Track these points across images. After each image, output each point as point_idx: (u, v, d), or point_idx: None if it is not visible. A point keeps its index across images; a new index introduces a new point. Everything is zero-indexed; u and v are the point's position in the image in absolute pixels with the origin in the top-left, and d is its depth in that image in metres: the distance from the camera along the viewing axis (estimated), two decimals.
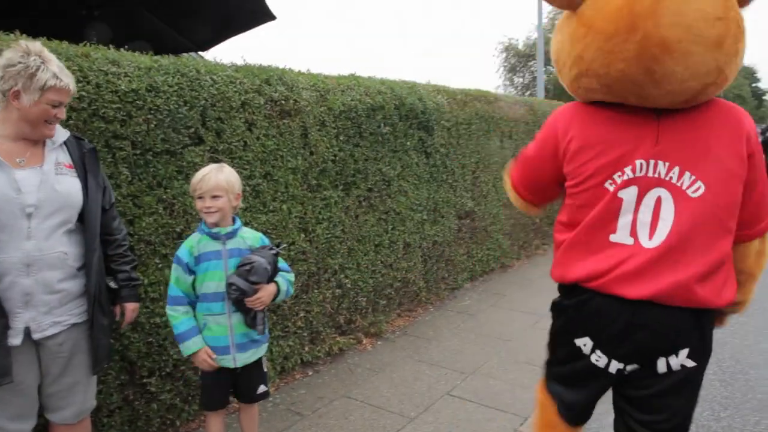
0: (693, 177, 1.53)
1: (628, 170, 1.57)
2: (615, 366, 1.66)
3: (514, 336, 4.17)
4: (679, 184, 1.54)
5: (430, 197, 4.70)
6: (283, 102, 3.30)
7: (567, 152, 1.67)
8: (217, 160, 2.75)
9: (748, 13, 1.55)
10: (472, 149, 5.34)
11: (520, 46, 34.68)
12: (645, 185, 1.56)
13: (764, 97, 62.03)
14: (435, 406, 3.14)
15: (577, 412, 1.83)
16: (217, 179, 2.16)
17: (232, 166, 2.38)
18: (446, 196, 4.94)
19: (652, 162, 1.55)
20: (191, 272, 2.18)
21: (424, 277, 4.68)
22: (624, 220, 1.59)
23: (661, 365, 1.60)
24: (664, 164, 1.54)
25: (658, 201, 1.56)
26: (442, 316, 4.62)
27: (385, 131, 4.11)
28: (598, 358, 1.68)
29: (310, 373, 3.53)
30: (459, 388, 3.35)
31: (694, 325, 1.57)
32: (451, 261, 5.06)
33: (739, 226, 1.60)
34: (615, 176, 1.58)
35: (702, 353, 1.62)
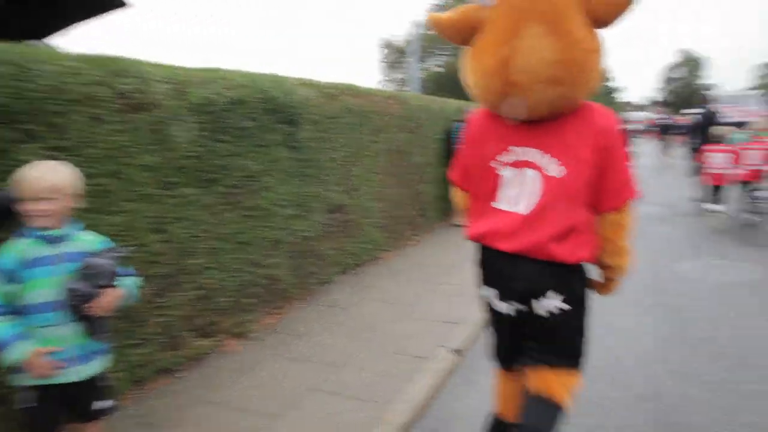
0: (555, 161, 2.02)
1: (508, 156, 2.11)
2: (507, 308, 2.16)
3: (383, 327, 4.27)
4: (545, 167, 2.04)
5: (298, 192, 4.66)
6: (135, 95, 3.09)
7: (473, 142, 2.25)
8: (55, 158, 2.51)
9: None
10: (342, 143, 5.37)
11: (401, 43, 35.71)
12: (520, 166, 2.08)
13: (612, 94, 69.33)
14: (302, 402, 3.14)
15: (502, 357, 2.34)
16: (48, 179, 1.97)
17: (76, 164, 2.18)
18: (315, 191, 4.93)
19: (526, 149, 2.08)
20: (12, 280, 1.96)
21: (293, 273, 4.64)
22: (504, 192, 2.12)
23: (537, 306, 2.08)
24: (535, 151, 2.06)
25: (529, 178, 2.07)
26: (313, 311, 4.62)
27: (249, 125, 4.00)
28: (498, 303, 2.19)
29: (170, 381, 3.36)
30: (328, 383, 3.37)
31: (557, 275, 2.04)
32: (320, 255, 5.06)
33: (597, 202, 2.07)
34: (499, 158, 2.12)
35: (575, 300, 2.10)
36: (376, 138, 6.09)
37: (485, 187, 2.18)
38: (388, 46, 43.47)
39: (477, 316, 4.44)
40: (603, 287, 2.34)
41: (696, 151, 10.37)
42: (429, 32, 38.18)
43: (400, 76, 39.82)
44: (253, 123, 4.06)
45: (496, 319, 2.29)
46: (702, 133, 10.40)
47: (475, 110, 2.34)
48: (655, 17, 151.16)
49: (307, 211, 4.81)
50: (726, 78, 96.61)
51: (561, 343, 2.16)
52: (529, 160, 2.07)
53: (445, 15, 2.18)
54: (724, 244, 7.16)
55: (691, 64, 73.29)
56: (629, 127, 20.16)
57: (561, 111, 2.07)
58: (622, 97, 69.94)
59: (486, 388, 3.21)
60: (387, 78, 43.82)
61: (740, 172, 8.39)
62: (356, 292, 5.14)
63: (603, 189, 2.06)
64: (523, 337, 2.22)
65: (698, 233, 7.96)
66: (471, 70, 2.14)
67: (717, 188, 8.99)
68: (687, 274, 5.78)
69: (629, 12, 2.05)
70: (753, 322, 4.42)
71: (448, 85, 33.68)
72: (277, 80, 4.44)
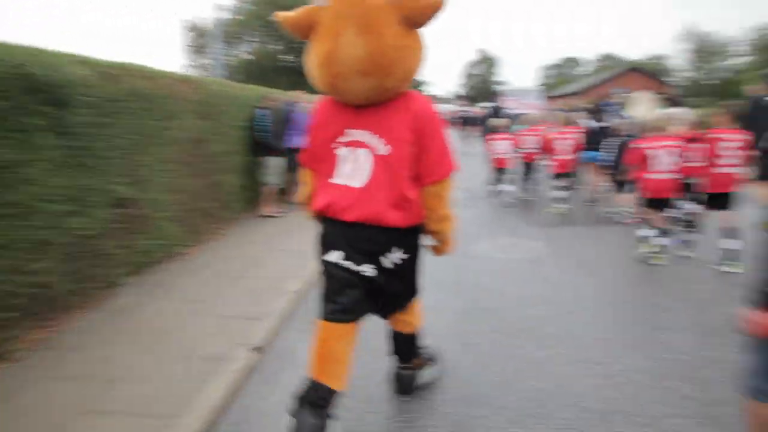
0: (383, 141, 2.46)
1: (344, 137, 2.53)
2: (357, 267, 2.53)
3: (177, 330, 3.93)
4: (374, 146, 2.47)
5: (72, 185, 4.06)
6: None
7: (318, 126, 2.64)
8: None
9: None
10: (127, 130, 4.82)
11: (208, 27, 34.83)
12: (354, 146, 2.51)
13: (419, 87, 74.14)
14: (72, 428, 2.72)
15: (344, 316, 2.56)
16: None
17: None
18: (95, 183, 4.35)
19: (359, 131, 2.50)
20: None
21: (69, 279, 4.05)
22: (341, 169, 2.52)
23: (384, 261, 2.55)
24: (366, 132, 2.49)
25: (362, 156, 2.49)
26: (94, 320, 4.08)
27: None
28: (345, 265, 2.53)
29: None
30: (106, 401, 2.98)
31: (395, 236, 2.52)
32: (104, 256, 4.50)
33: (418, 176, 2.51)
34: (337, 140, 2.54)
35: (411, 251, 2.64)
36: (169, 125, 5.59)
37: (327, 165, 2.59)
38: (194, 29, 40.76)
39: (280, 308, 4.33)
40: (437, 249, 2.85)
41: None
42: (237, 17, 36.66)
43: (206, 61, 37.96)
44: (5, 104, 3.41)
45: (337, 279, 2.58)
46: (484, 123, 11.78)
47: (320, 98, 2.74)
48: (462, 18, 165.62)
49: (85, 206, 4.22)
50: (517, 76, 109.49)
51: (406, 283, 2.77)
52: (361, 140, 2.51)
53: (290, 14, 2.55)
54: (513, 224, 8.09)
55: (488, 62, 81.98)
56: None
57: (384, 98, 2.49)
58: (429, 90, 75.12)
59: (292, 381, 3.12)
60: (192, 63, 41.14)
61: (519, 155, 9.81)
62: (148, 293, 4.68)
63: (423, 164, 2.51)
64: (368, 291, 2.60)
65: (492, 215, 8.87)
66: (309, 62, 2.53)
67: (501, 170, 10.14)
68: (482, 253, 6.36)
69: (440, 14, 2.43)
70: (533, 290, 4.98)
71: (257, 72, 32.96)
72: (37, 54, 3.79)
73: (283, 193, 8.51)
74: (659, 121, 6.26)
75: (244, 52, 38.27)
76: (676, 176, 5.83)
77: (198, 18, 39.49)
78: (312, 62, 2.50)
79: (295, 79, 28.38)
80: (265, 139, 7.90)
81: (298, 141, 4.83)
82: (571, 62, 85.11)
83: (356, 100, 2.50)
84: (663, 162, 5.77)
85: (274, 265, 5.60)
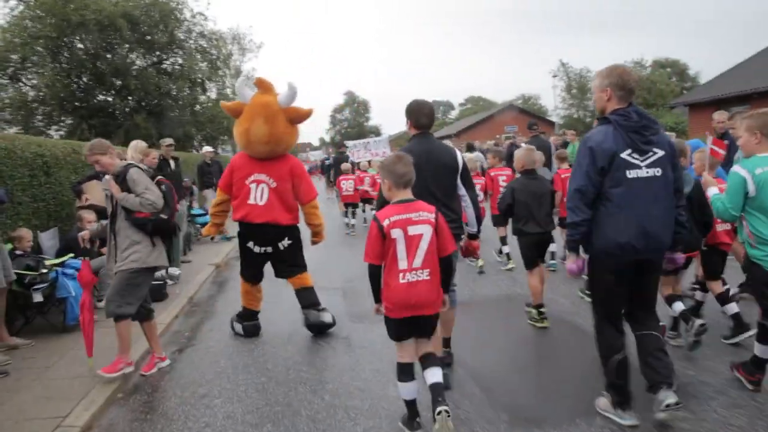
0: (273, 179, 5.07)
1: (252, 177, 5.08)
2: (261, 249, 5.19)
3: None
4: (270, 182, 5.07)
5: None
6: None
7: (236, 169, 5.19)
8: None
9: None
10: None
11: None
12: (257, 182, 5.06)
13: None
14: None
15: (253, 276, 5.36)
16: None
17: None
18: None
19: (260, 174, 5.08)
20: None
21: None
22: (253, 194, 5.05)
23: (280, 245, 5.17)
24: (264, 175, 5.08)
25: (263, 188, 5.05)
26: None
27: None
28: (258, 249, 5.20)
29: None
30: None
31: (285, 231, 5.17)
32: None
33: (298, 198, 5.23)
34: (248, 179, 5.08)
35: (295, 239, 5.27)
36: None
37: (242, 192, 5.09)
38: None
39: None
40: (316, 239, 5.54)
41: (332, 181, 17.77)
42: (12, 39, 20.73)
43: None
44: None
45: (252, 256, 5.25)
46: (335, 168, 15.82)
47: (238, 154, 5.42)
48: (331, 63, 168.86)
49: None
50: (387, 119, 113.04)
51: (294, 259, 5.29)
52: (262, 179, 5.06)
53: (230, 104, 5.33)
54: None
55: (355, 105, 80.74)
56: (308, 166, 25.26)
57: (275, 156, 5.12)
58: (300, 138, 73.95)
59: None
60: None
61: (358, 192, 12.51)
62: None
63: (298, 193, 5.20)
64: (272, 262, 5.30)
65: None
66: (236, 133, 5.15)
67: (347, 205, 12.58)
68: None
69: (308, 118, 5.22)
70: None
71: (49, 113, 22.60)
72: None
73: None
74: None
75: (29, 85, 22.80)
76: None
77: None
78: (238, 134, 5.10)
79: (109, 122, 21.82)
80: None
81: None
82: (445, 105, 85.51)
83: (259, 156, 5.08)
84: None
85: None
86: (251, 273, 5.31)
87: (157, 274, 6.59)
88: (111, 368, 4.26)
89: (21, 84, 22.37)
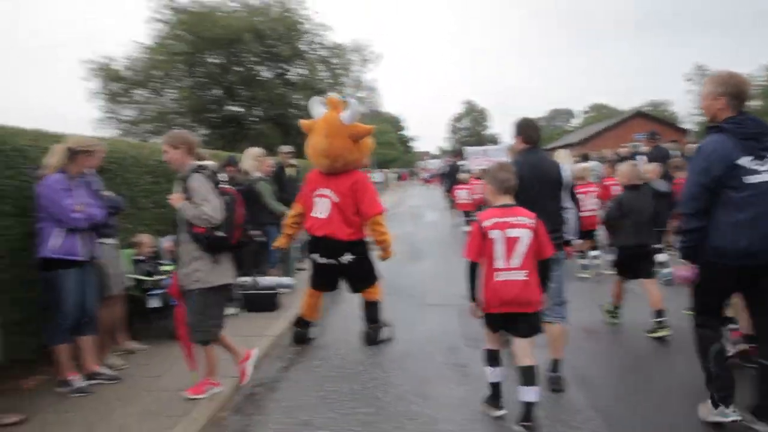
0: (336, 194, 5.16)
1: (318, 191, 5.27)
2: (326, 261, 5.24)
3: None
4: (333, 197, 5.17)
5: None
6: None
7: (308, 184, 5.49)
8: None
9: None
10: None
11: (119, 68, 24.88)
12: (321, 196, 5.22)
13: (409, 143, 74.96)
14: None
15: (320, 285, 5.49)
16: None
17: None
18: None
19: (325, 189, 5.23)
20: None
21: None
22: (317, 208, 5.24)
23: (342, 259, 5.18)
24: (328, 190, 5.20)
25: (326, 202, 5.19)
26: None
27: None
28: (321, 260, 5.27)
29: None
30: None
31: (346, 245, 5.15)
32: None
33: (361, 213, 5.19)
34: (315, 192, 5.28)
35: (358, 255, 5.24)
36: None
37: (310, 204, 5.29)
38: (105, 72, 24.92)
39: None
40: (382, 254, 5.49)
41: (448, 190, 17.39)
42: (157, 57, 24.34)
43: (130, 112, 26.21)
44: None
45: (318, 267, 5.34)
46: (451, 177, 16.28)
47: (311, 169, 5.60)
48: (451, 72, 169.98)
49: None
50: (507, 128, 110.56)
51: (359, 275, 5.36)
52: (326, 194, 5.19)
53: (307, 121, 5.44)
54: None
55: (474, 114, 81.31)
56: (426, 175, 27.17)
57: (336, 170, 5.20)
58: (419, 146, 74.79)
59: None
60: (110, 114, 25.96)
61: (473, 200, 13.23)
62: None
63: (361, 208, 5.17)
64: (337, 275, 5.39)
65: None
66: (307, 148, 5.31)
67: (466, 213, 13.15)
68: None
69: (368, 135, 5.34)
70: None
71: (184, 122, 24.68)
72: None
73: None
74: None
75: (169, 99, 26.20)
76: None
77: (104, 57, 24.70)
78: (307, 146, 5.31)
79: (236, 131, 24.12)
80: None
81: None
82: (565, 114, 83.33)
83: (324, 170, 5.27)
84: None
85: None
86: (315, 281, 5.49)
87: (267, 282, 6.62)
88: (197, 389, 4.07)
89: (161, 97, 25.46)
